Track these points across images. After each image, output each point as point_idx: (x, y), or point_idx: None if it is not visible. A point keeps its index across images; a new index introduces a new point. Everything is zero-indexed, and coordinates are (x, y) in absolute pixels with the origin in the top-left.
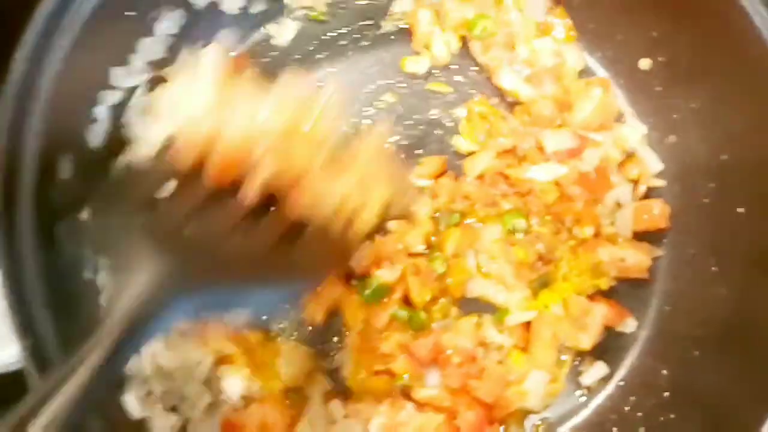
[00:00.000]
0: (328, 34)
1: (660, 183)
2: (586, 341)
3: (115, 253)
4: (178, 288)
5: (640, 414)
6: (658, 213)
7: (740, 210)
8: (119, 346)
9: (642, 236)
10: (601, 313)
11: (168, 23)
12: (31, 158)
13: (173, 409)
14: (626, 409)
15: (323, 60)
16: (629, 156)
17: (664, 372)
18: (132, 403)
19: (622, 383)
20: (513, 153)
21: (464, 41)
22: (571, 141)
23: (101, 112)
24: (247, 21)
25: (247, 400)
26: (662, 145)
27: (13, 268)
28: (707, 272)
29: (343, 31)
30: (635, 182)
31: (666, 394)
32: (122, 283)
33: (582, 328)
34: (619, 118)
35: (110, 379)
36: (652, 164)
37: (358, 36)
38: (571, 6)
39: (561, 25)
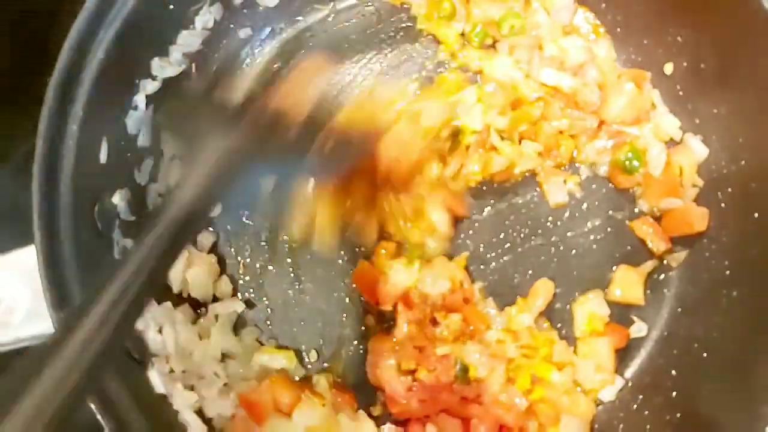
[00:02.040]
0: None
1: (699, 182)
2: (608, 378)
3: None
4: (245, 152)
5: (647, 412)
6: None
7: (755, 215)
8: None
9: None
10: (606, 345)
11: (207, 17)
12: (72, 142)
13: (192, 388)
14: (634, 407)
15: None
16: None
17: (673, 372)
18: (155, 378)
19: (631, 383)
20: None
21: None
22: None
23: (140, 101)
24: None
25: (261, 377)
26: None
27: (50, 247)
28: (721, 275)
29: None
30: None
31: (674, 393)
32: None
33: (598, 368)
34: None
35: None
36: (698, 150)
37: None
38: (597, 9)
39: (587, 26)
